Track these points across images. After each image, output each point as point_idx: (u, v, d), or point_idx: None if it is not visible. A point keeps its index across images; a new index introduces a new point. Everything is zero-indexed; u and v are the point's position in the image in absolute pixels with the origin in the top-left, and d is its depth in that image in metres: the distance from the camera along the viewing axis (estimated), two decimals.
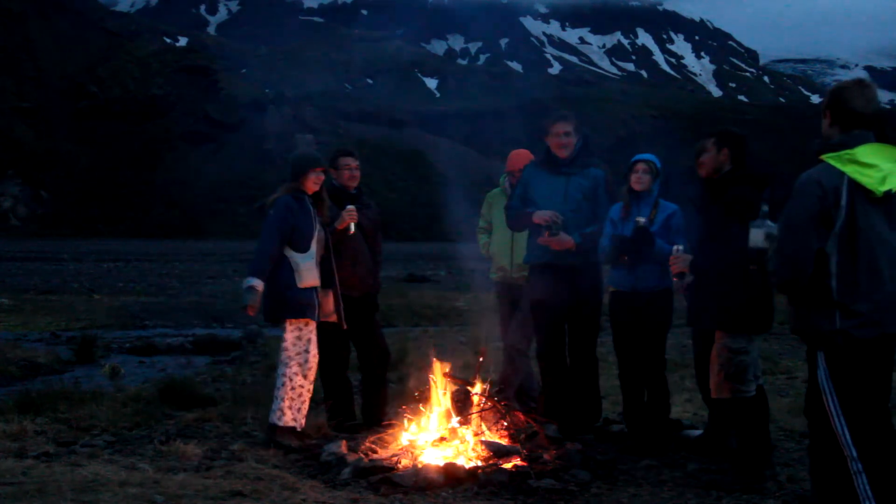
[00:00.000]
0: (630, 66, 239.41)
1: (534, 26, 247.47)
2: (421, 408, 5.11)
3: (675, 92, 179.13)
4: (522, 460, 4.58)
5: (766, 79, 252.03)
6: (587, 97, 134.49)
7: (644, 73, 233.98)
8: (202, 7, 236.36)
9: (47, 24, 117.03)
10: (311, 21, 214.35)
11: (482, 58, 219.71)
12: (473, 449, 4.72)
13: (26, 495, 3.95)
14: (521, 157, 6.21)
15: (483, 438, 4.79)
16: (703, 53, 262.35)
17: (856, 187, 3.25)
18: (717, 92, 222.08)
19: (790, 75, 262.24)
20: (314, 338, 5.38)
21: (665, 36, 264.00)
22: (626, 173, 5.34)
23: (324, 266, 5.44)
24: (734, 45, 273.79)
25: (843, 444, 3.29)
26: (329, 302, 5.50)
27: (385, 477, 4.42)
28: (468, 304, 14.74)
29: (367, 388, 5.98)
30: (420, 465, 4.53)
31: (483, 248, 6.59)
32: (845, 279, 3.27)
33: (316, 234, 5.36)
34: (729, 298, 4.42)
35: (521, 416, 5.07)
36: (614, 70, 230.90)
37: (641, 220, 5.12)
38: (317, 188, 5.42)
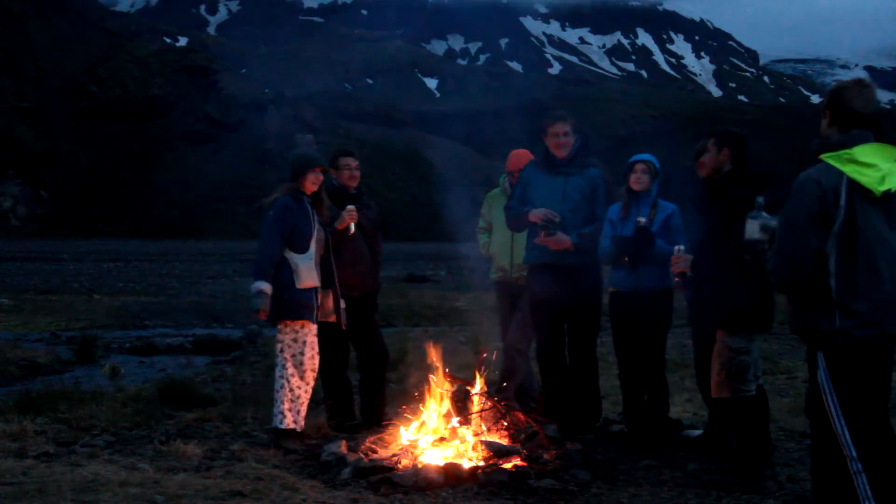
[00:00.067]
0: (630, 66, 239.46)
1: (534, 26, 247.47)
2: (421, 407, 5.11)
3: (675, 92, 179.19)
4: (522, 460, 4.58)
5: (766, 79, 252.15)
6: (587, 97, 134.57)
7: (644, 73, 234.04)
8: (202, 7, 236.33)
9: (47, 24, 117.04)
10: (311, 21, 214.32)
11: (482, 58, 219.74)
12: (473, 449, 4.72)
13: (26, 495, 3.95)
14: (521, 157, 6.21)
15: (483, 438, 4.79)
16: (703, 53, 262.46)
17: (855, 187, 3.25)
18: (717, 92, 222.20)
19: (790, 75, 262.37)
20: (312, 339, 5.36)
21: (665, 36, 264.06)
22: (624, 173, 5.34)
23: (324, 266, 5.44)
24: (734, 45, 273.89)
25: (843, 444, 3.29)
26: (329, 302, 5.50)
27: (385, 477, 4.42)
28: (468, 304, 14.74)
29: (366, 388, 5.98)
30: (420, 465, 4.53)
31: (483, 248, 6.60)
32: (844, 279, 3.27)
33: (315, 234, 5.34)
34: (729, 298, 4.42)
35: (521, 416, 5.07)
36: (614, 70, 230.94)
37: (642, 220, 5.12)
38: (316, 188, 5.40)
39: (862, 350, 3.29)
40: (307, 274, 5.26)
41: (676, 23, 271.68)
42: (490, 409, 5.03)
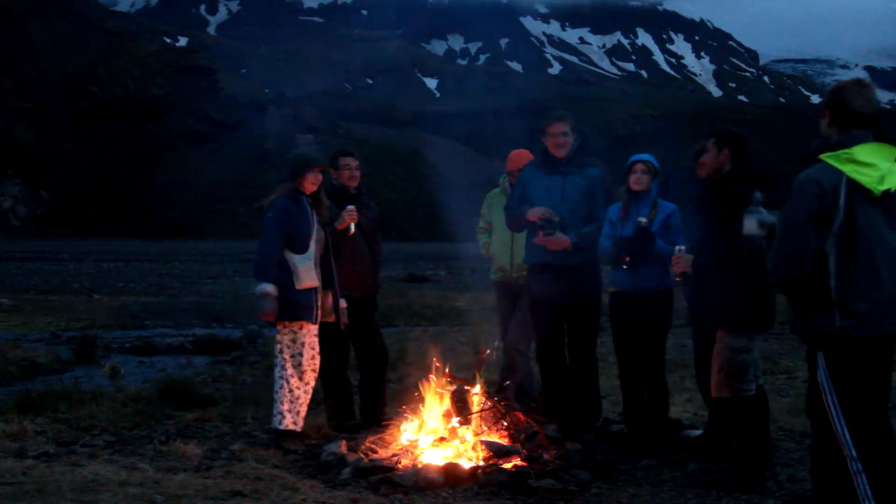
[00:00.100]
0: (630, 66, 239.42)
1: (534, 26, 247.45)
2: (420, 407, 5.11)
3: (675, 92, 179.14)
4: (522, 460, 4.58)
5: (766, 79, 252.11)
6: (587, 97, 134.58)
7: (644, 73, 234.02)
8: (202, 7, 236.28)
9: (47, 24, 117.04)
10: (311, 21, 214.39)
11: (482, 58, 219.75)
12: (473, 449, 4.72)
13: (26, 495, 3.95)
14: (521, 157, 6.22)
15: (483, 438, 4.79)
16: (703, 53, 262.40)
17: (854, 186, 3.26)
18: (717, 92, 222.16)
19: (790, 75, 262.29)
20: (311, 340, 5.35)
21: (665, 36, 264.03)
22: (624, 174, 5.34)
23: (324, 266, 5.44)
24: (734, 45, 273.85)
25: (843, 443, 3.30)
26: (329, 301, 5.49)
27: (385, 477, 4.42)
28: (468, 304, 14.75)
29: (365, 388, 5.98)
30: (420, 465, 4.53)
31: (483, 248, 6.60)
32: (844, 278, 3.27)
33: (315, 234, 5.34)
34: (730, 297, 4.42)
35: (521, 416, 5.07)
36: (614, 70, 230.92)
37: (643, 220, 5.12)
38: (315, 188, 5.39)
39: (862, 350, 3.29)
40: (306, 274, 5.25)
41: (676, 23, 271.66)
42: (490, 409, 5.03)
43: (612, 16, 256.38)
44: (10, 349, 9.70)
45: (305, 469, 4.75)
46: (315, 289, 5.33)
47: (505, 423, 4.98)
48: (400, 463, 4.60)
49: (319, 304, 5.37)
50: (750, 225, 3.66)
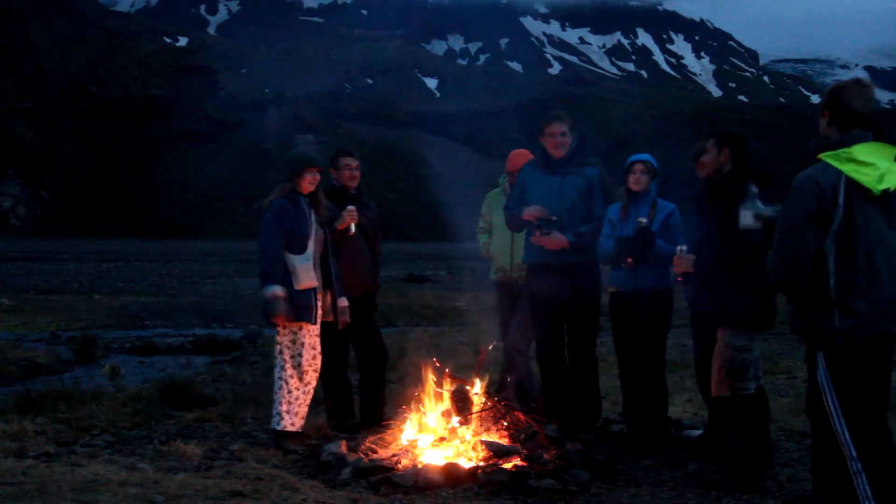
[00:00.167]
0: (630, 66, 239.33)
1: (534, 26, 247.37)
2: (421, 408, 5.10)
3: (675, 92, 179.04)
4: (522, 460, 4.58)
5: (766, 79, 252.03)
6: (587, 97, 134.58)
7: (644, 73, 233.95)
8: (202, 7, 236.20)
9: (47, 24, 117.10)
10: (311, 21, 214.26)
11: (482, 58, 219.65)
12: (473, 449, 4.72)
13: (26, 495, 3.95)
14: (520, 157, 6.22)
15: (483, 438, 4.79)
16: (703, 53, 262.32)
17: (853, 186, 3.26)
18: (717, 92, 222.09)
19: (790, 75, 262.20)
20: (312, 340, 5.34)
21: (665, 36, 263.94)
22: (623, 174, 5.34)
23: (323, 265, 5.43)
24: (734, 45, 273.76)
25: (843, 443, 3.30)
26: (329, 300, 5.48)
27: (385, 477, 4.42)
28: (468, 304, 14.75)
29: (365, 388, 5.98)
30: (420, 465, 4.53)
31: (483, 248, 6.60)
32: (843, 278, 3.27)
33: (313, 234, 5.33)
34: (731, 296, 4.42)
35: (521, 416, 5.07)
36: (614, 70, 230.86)
37: (643, 220, 5.12)
38: (312, 188, 5.38)
39: (861, 350, 3.29)
40: (305, 275, 5.24)
41: (676, 23, 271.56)
42: (490, 409, 5.03)
43: (612, 16, 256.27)
44: (10, 349, 9.70)
45: (305, 469, 4.75)
46: (314, 289, 5.32)
47: (505, 423, 4.98)
48: (400, 463, 4.60)
49: (319, 304, 5.36)
50: (746, 218, 3.66)
